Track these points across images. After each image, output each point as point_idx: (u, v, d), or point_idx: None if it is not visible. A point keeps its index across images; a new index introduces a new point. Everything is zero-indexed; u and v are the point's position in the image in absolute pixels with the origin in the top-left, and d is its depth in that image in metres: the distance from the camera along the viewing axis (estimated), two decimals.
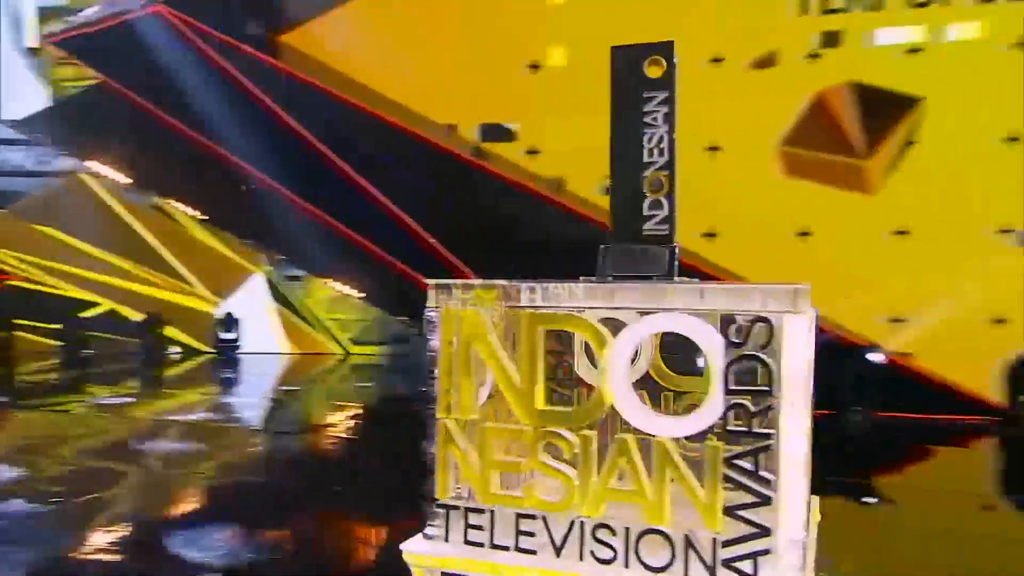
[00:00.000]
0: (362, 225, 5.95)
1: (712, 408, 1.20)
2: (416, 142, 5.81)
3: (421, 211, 5.82)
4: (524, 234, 5.72)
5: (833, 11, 5.56)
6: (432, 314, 1.37)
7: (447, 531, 1.36)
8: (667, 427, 1.23)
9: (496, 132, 5.86)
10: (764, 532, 1.17)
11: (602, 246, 1.48)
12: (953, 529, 3.05)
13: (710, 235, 5.63)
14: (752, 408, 1.18)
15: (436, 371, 1.38)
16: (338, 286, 7.76)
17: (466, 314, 1.34)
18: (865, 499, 3.39)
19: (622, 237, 1.46)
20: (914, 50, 5.51)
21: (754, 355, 1.18)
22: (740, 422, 1.19)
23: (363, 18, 5.92)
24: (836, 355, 5.34)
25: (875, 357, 5.27)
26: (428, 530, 1.38)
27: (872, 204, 5.60)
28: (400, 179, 5.86)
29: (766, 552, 1.17)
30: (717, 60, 5.63)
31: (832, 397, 5.30)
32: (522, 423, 1.31)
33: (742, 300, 1.20)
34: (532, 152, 5.76)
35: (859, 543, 2.75)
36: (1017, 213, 5.32)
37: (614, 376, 1.25)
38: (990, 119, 5.29)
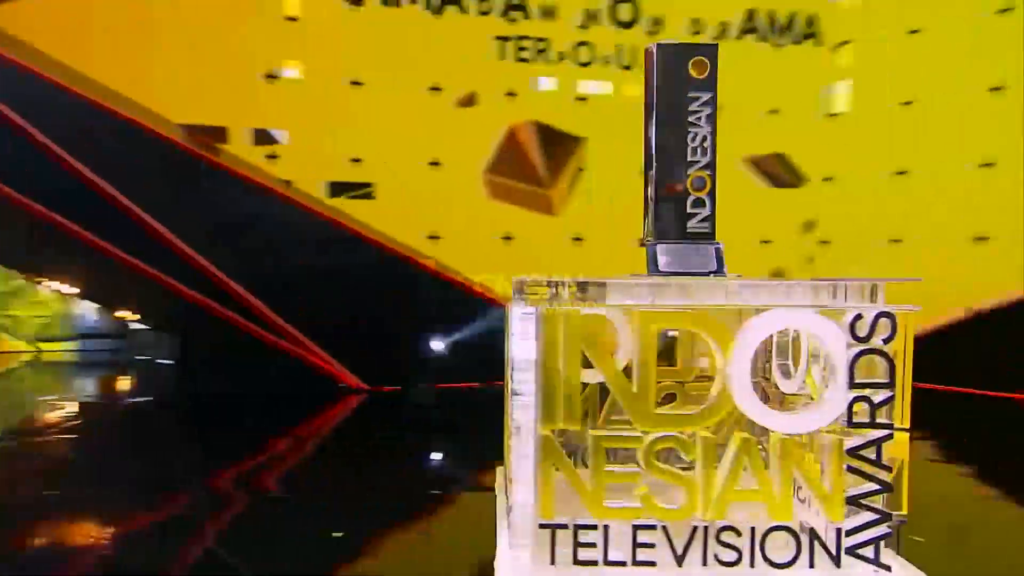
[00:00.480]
0: (85, 219, 4.86)
1: (836, 402, 1.04)
2: (147, 138, 4.87)
3: (155, 207, 4.90)
4: (262, 229, 5.08)
5: (523, 60, 5.67)
6: (526, 313, 1.04)
7: (553, 552, 1.04)
8: (792, 424, 1.04)
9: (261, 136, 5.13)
10: (885, 517, 1.04)
11: (649, 242, 1.25)
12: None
13: (434, 237, 5.47)
14: (875, 400, 1.04)
15: (522, 378, 1.05)
16: (49, 282, 6.32)
17: (573, 315, 1.03)
18: None
19: (667, 235, 1.24)
20: (581, 99, 5.81)
21: (877, 350, 1.03)
22: (862, 414, 1.04)
23: (82, 6, 4.82)
24: None
25: None
26: (520, 552, 1.05)
27: (557, 217, 5.83)
28: (131, 174, 4.88)
29: (888, 535, 1.04)
30: (436, 89, 5.47)
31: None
32: (638, 429, 1.04)
33: (858, 296, 1.05)
34: (271, 157, 5.13)
35: None
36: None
37: (738, 375, 1.03)
38: (630, 156, 5.76)
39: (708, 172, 1.24)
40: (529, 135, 5.73)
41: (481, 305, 5.39)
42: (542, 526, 1.03)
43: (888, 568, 1.04)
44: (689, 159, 1.24)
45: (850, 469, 1.04)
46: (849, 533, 1.04)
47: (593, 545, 1.03)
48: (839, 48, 6.20)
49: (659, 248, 1.22)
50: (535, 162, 5.75)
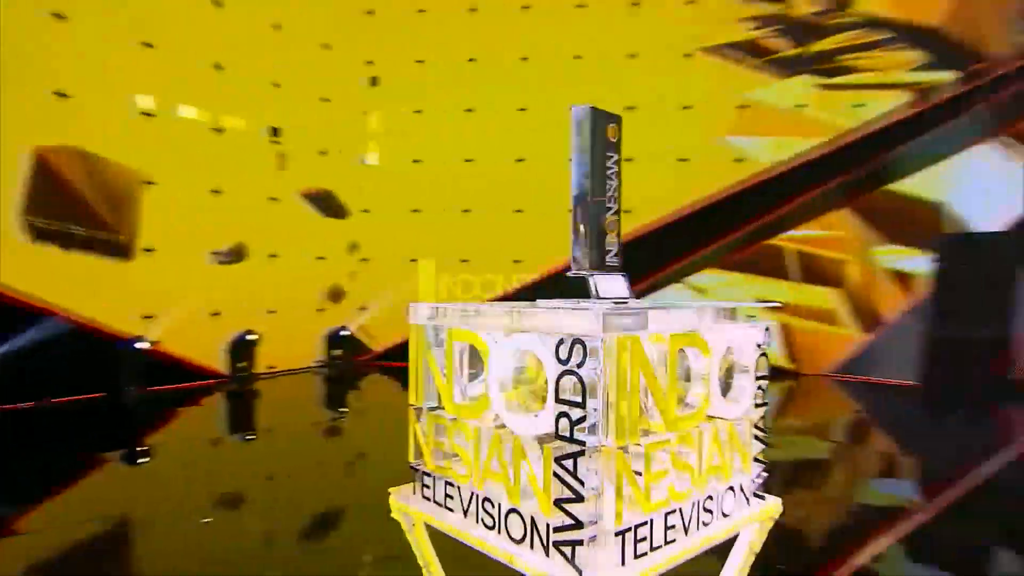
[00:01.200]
0: None
1: (751, 391, 1.18)
2: None
3: None
4: None
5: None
6: (594, 339, 0.91)
7: (624, 555, 0.92)
8: (735, 411, 1.14)
9: None
10: (768, 467, 1.22)
11: (590, 276, 1.20)
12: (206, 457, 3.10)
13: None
14: (763, 387, 1.21)
15: (593, 400, 0.92)
16: None
17: (637, 341, 0.94)
18: (140, 459, 3.04)
19: (596, 268, 1.22)
20: (147, 114, 4.81)
21: (764, 352, 1.21)
22: (759, 397, 1.20)
23: None
24: (109, 346, 4.43)
25: (141, 345, 4.58)
26: (585, 560, 0.91)
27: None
28: None
29: (768, 477, 1.22)
30: None
31: (108, 379, 4.35)
32: (666, 432, 1.01)
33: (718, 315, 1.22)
34: None
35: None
36: (217, 241, 5.22)
37: (714, 380, 1.09)
38: (201, 181, 5.00)
39: (616, 217, 1.26)
40: (74, 168, 4.40)
41: (28, 317, 4.05)
42: (617, 534, 0.92)
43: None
44: (607, 205, 1.24)
45: (755, 436, 1.19)
46: (754, 481, 1.20)
47: (645, 539, 0.97)
48: (369, 115, 6.52)
49: (596, 278, 1.19)
50: (95, 206, 4.47)
